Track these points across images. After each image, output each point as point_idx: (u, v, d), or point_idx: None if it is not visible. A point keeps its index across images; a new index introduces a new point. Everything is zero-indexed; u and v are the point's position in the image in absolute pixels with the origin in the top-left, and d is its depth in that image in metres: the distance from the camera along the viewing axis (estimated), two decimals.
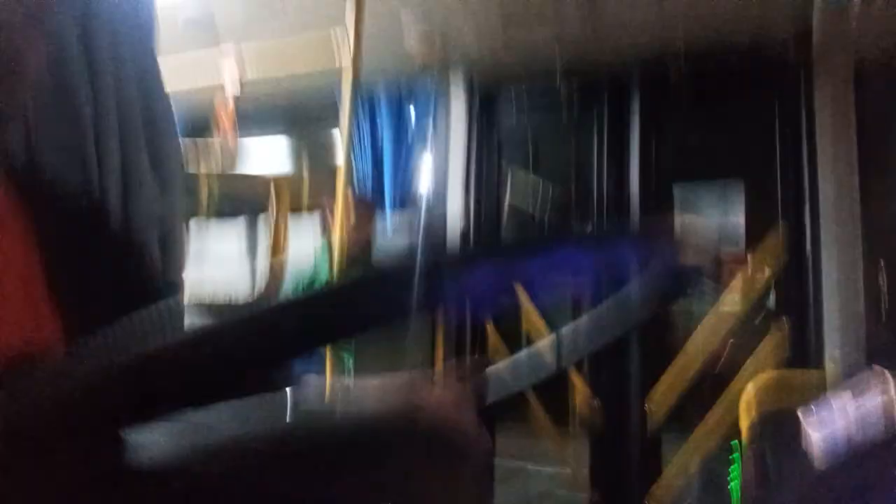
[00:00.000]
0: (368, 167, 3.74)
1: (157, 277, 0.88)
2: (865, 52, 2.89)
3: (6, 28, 0.67)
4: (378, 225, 3.53)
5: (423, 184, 3.83)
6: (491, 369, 0.74)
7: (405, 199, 3.73)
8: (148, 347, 0.42)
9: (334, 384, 0.80)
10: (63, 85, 1.12)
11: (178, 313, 0.80)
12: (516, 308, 3.14)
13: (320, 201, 3.16)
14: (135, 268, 0.82)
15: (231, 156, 2.62)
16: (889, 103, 2.91)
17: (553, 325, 3.09)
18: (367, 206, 3.22)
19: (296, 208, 4.09)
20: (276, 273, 1.62)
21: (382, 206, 3.69)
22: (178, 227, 1.30)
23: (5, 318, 0.66)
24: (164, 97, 1.35)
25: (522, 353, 0.74)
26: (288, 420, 0.48)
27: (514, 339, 3.16)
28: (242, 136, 3.52)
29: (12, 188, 0.73)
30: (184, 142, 2.77)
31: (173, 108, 1.38)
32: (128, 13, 1.29)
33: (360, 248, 2.99)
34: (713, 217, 3.14)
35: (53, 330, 0.68)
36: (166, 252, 1.30)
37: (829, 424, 1.71)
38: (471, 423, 0.66)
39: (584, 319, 0.68)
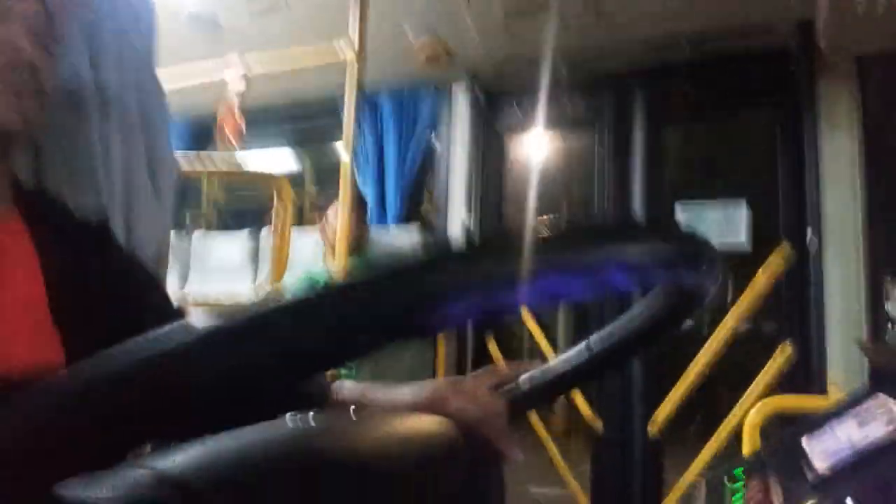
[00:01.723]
0: (372, 177, 3.74)
1: (157, 296, 0.88)
2: (869, 55, 2.89)
3: (26, 51, 0.68)
4: (376, 230, 3.54)
5: (427, 192, 3.85)
6: (523, 377, 0.72)
7: (409, 208, 3.74)
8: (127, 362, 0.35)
9: (362, 388, 0.77)
10: (74, 109, 1.13)
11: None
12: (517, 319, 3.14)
13: (320, 208, 3.18)
14: (136, 288, 0.82)
15: (235, 159, 2.62)
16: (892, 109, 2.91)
17: (552, 336, 3.09)
18: (358, 204, 3.23)
19: (299, 221, 4.10)
20: (278, 276, 1.63)
21: (385, 215, 3.69)
22: (167, 248, 1.30)
23: (7, 341, 0.66)
24: (165, 116, 1.35)
25: (554, 360, 0.72)
26: (306, 431, 0.44)
27: (516, 350, 3.15)
28: (246, 146, 3.53)
29: (19, 211, 0.74)
30: (188, 154, 2.79)
31: (169, 121, 1.38)
32: (131, 32, 1.30)
33: (356, 248, 3.01)
34: (716, 235, 3.13)
35: (56, 354, 0.68)
36: (160, 266, 1.30)
37: (833, 454, 1.69)
38: (503, 435, 0.65)
39: (613, 326, 0.66)
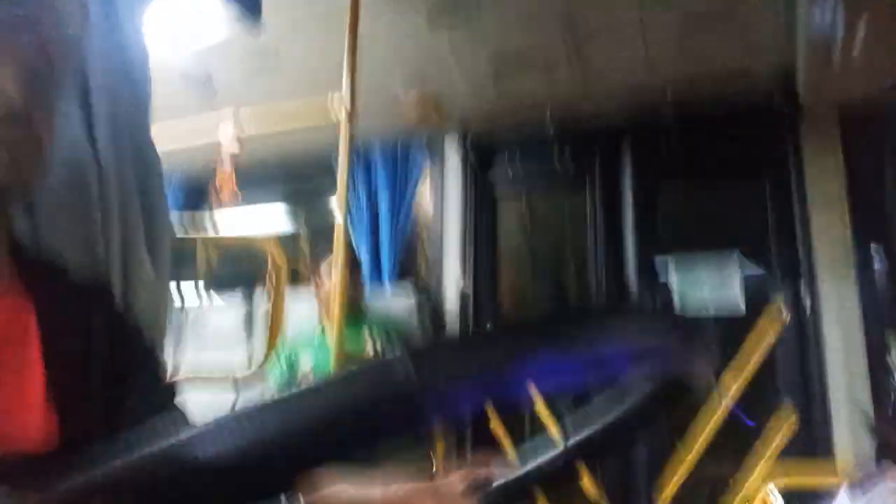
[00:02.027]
0: (366, 234, 3.73)
1: (151, 370, 0.85)
2: (851, 101, 2.92)
3: (16, 100, 0.65)
4: (371, 290, 3.51)
5: (420, 248, 3.84)
6: (498, 476, 0.71)
7: (403, 266, 3.71)
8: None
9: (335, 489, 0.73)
10: (71, 167, 1.11)
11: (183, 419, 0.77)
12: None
13: (313, 268, 3.15)
14: (132, 358, 0.79)
15: (229, 216, 2.62)
16: (877, 154, 2.93)
17: (556, 408, 3.02)
18: (352, 263, 3.20)
19: (294, 280, 4.07)
20: (273, 341, 1.59)
21: (380, 273, 3.66)
22: (166, 320, 1.27)
23: (1, 410, 0.64)
24: (161, 182, 1.34)
25: (527, 447, 0.72)
26: None
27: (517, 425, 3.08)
28: (240, 203, 3.52)
29: (20, 278, 0.72)
30: (182, 214, 2.77)
31: (165, 183, 1.36)
32: (125, 86, 1.29)
33: (351, 309, 2.96)
34: (709, 288, 3.11)
35: (49, 426, 0.66)
36: (157, 338, 1.26)
37: None
38: None
39: (590, 407, 0.65)
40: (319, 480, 0.72)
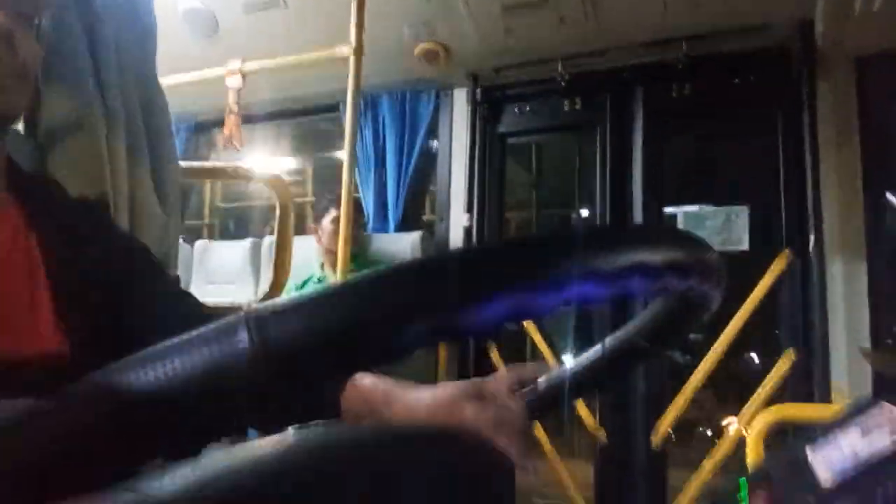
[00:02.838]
0: (373, 181, 3.74)
1: (164, 278, 0.87)
2: (868, 56, 2.88)
3: (15, 40, 0.66)
4: (377, 236, 3.53)
5: (427, 194, 3.84)
6: (542, 379, 0.70)
7: (410, 213, 3.73)
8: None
9: (382, 389, 0.74)
10: (77, 100, 1.12)
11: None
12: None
13: (315, 215, 3.18)
14: (142, 270, 0.81)
15: (235, 165, 2.62)
16: (892, 107, 2.90)
17: (554, 343, 3.07)
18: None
19: (300, 229, 4.09)
20: (279, 275, 1.61)
21: (385, 217, 3.69)
22: (175, 257, 1.29)
23: (9, 330, 0.65)
24: (168, 121, 1.34)
25: (571, 363, 0.70)
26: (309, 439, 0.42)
27: (517, 357, 3.12)
28: (247, 157, 3.51)
29: (17, 195, 0.73)
30: (189, 162, 2.77)
31: (172, 125, 1.37)
32: (130, 28, 1.29)
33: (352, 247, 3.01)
34: (717, 238, 3.11)
35: (59, 342, 0.68)
36: (166, 271, 1.28)
37: (838, 467, 1.66)
38: (519, 444, 0.62)
39: (626, 328, 0.65)
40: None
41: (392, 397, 0.71)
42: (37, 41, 0.71)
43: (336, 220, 2.92)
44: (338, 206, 2.85)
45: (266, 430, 0.42)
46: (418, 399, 0.69)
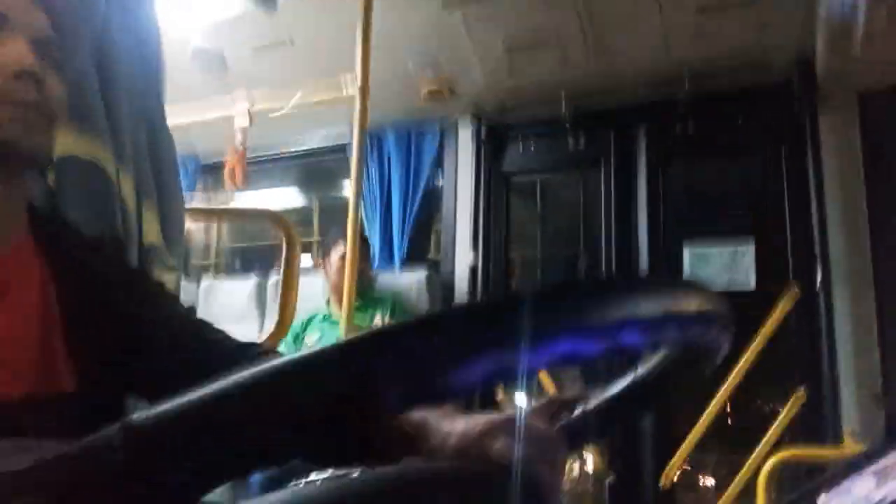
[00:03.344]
0: (378, 217, 3.75)
1: (178, 308, 0.87)
2: (870, 92, 2.90)
3: (29, 62, 0.67)
4: (382, 272, 3.52)
5: (433, 232, 3.84)
6: (579, 407, 0.67)
7: (415, 249, 3.72)
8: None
9: (413, 419, 0.72)
10: (89, 140, 1.13)
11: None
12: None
13: (324, 250, 3.18)
14: (147, 316, 0.80)
15: (242, 200, 2.64)
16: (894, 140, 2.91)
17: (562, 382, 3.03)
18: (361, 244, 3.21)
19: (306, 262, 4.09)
20: (284, 314, 1.59)
21: (391, 253, 3.68)
22: (177, 287, 1.28)
23: (20, 365, 0.66)
24: (172, 150, 1.35)
25: (607, 391, 0.67)
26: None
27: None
28: (254, 189, 3.53)
29: (34, 235, 0.74)
30: (195, 194, 2.79)
31: (178, 162, 1.38)
32: (138, 65, 1.30)
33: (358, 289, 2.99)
34: (723, 275, 3.09)
35: (67, 379, 0.68)
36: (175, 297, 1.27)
37: (848, 500, 1.63)
38: (550, 478, 0.60)
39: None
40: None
41: (427, 430, 0.69)
42: (62, 83, 0.72)
43: (344, 256, 2.91)
44: (345, 242, 2.85)
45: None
46: (451, 431, 0.66)
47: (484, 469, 0.51)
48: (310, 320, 3.03)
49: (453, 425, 0.66)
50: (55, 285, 0.71)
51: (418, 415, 0.70)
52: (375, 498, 0.41)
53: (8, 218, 0.72)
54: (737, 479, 2.73)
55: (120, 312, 0.75)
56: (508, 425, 0.63)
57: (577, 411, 0.66)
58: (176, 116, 1.36)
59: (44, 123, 0.69)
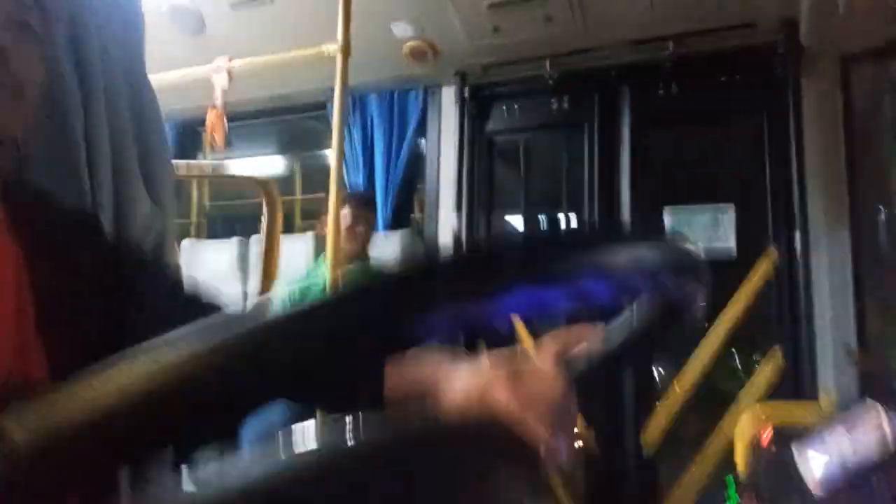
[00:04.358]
0: (361, 177, 3.73)
1: (165, 280, 0.85)
2: (853, 54, 2.91)
3: (7, 53, 0.64)
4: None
5: (416, 194, 3.83)
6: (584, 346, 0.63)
7: (398, 212, 3.71)
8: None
9: (422, 367, 0.70)
10: (53, 100, 1.09)
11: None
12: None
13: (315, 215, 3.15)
14: (129, 285, 0.78)
15: (223, 164, 2.60)
16: (876, 106, 2.93)
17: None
18: (365, 200, 3.17)
19: (288, 229, 4.06)
20: (267, 278, 1.59)
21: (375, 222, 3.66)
22: (170, 239, 1.27)
23: None
24: (157, 113, 1.32)
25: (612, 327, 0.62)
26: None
27: None
28: (234, 152, 3.48)
29: (4, 210, 0.70)
30: (176, 161, 2.74)
31: (163, 119, 1.35)
32: (116, 22, 1.27)
33: (359, 246, 2.97)
34: (703, 235, 3.12)
35: (38, 365, 0.65)
36: (161, 264, 1.26)
37: (823, 458, 1.68)
38: (557, 423, 0.56)
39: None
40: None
41: (436, 378, 0.66)
42: (41, 59, 0.68)
43: (348, 217, 2.87)
44: (351, 203, 2.83)
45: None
46: (457, 380, 0.64)
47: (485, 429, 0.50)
48: (308, 287, 3.00)
49: (458, 374, 0.64)
50: (29, 263, 0.68)
51: (429, 363, 0.68)
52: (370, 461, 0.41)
53: None
54: (712, 438, 2.80)
55: (99, 291, 0.72)
56: (512, 368, 0.60)
57: (584, 350, 0.62)
58: (154, 76, 1.33)
59: (13, 105, 0.65)
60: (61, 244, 0.73)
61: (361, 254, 2.96)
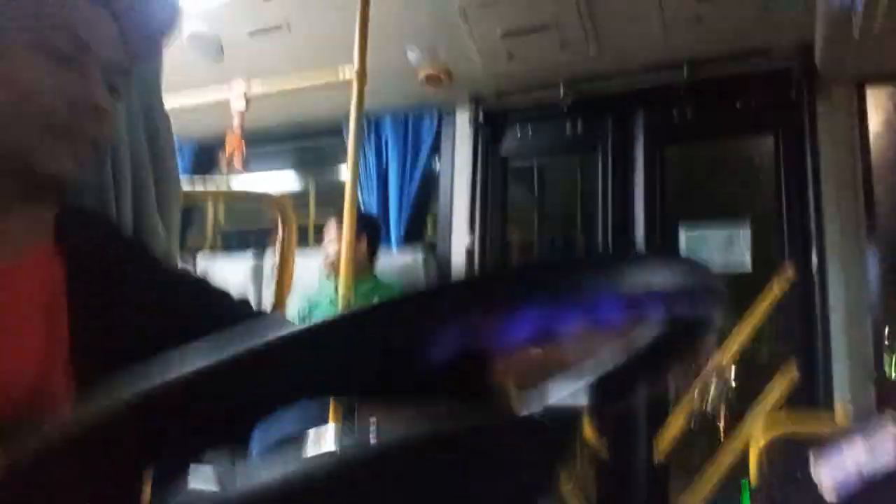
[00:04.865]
0: (375, 199, 3.75)
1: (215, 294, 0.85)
2: (869, 79, 2.92)
3: (97, 96, 0.65)
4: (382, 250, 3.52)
5: (429, 215, 3.85)
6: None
7: (411, 231, 3.73)
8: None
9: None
10: None
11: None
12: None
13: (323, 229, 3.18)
14: (178, 311, 0.79)
15: (238, 182, 2.63)
16: (892, 129, 2.93)
17: None
18: (369, 221, 3.21)
19: (302, 243, 4.09)
20: (280, 294, 1.60)
21: (388, 240, 3.68)
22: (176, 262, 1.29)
23: (20, 367, 0.63)
24: (171, 139, 1.35)
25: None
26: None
27: None
28: (249, 170, 3.52)
29: (56, 234, 0.70)
30: (191, 178, 2.79)
31: (176, 145, 1.38)
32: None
33: (364, 264, 3.00)
34: (718, 253, 3.12)
35: (66, 384, 0.65)
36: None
37: (839, 468, 1.67)
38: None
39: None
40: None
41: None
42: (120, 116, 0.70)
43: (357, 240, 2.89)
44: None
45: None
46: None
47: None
48: (317, 304, 3.03)
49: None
50: (72, 288, 0.67)
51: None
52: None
53: (32, 231, 0.68)
54: (725, 448, 2.78)
55: (145, 319, 0.71)
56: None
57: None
58: (172, 100, 1.36)
59: (93, 153, 0.66)
60: (108, 269, 0.73)
61: (363, 273, 2.98)
